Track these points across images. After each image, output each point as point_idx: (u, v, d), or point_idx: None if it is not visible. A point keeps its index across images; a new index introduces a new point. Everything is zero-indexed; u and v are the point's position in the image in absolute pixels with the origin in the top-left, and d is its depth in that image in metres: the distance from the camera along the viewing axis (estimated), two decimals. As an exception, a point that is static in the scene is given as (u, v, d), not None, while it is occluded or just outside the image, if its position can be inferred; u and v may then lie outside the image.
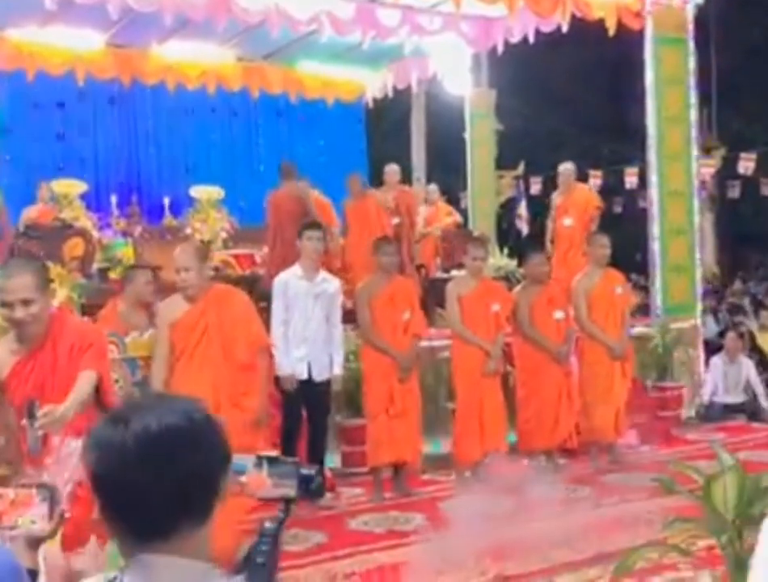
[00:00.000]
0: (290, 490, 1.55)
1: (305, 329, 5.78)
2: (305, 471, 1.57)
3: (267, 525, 1.53)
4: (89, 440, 1.35)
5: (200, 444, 1.34)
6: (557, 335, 6.65)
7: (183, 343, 4.76)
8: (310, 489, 1.56)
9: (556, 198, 9.33)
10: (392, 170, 9.12)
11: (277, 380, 5.70)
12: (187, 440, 1.33)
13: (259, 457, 1.55)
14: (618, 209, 16.94)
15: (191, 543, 1.33)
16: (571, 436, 6.58)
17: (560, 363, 6.59)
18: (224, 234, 9.56)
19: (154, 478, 1.31)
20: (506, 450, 6.34)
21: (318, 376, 5.82)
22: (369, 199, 8.65)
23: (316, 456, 5.80)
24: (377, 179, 10.29)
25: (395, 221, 8.69)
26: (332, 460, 6.46)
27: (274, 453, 1.57)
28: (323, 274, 5.89)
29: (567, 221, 9.02)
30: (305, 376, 5.74)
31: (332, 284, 5.94)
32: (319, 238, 5.84)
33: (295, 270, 5.88)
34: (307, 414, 5.83)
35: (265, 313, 5.82)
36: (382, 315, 6.06)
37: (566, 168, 9.30)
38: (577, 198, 9.14)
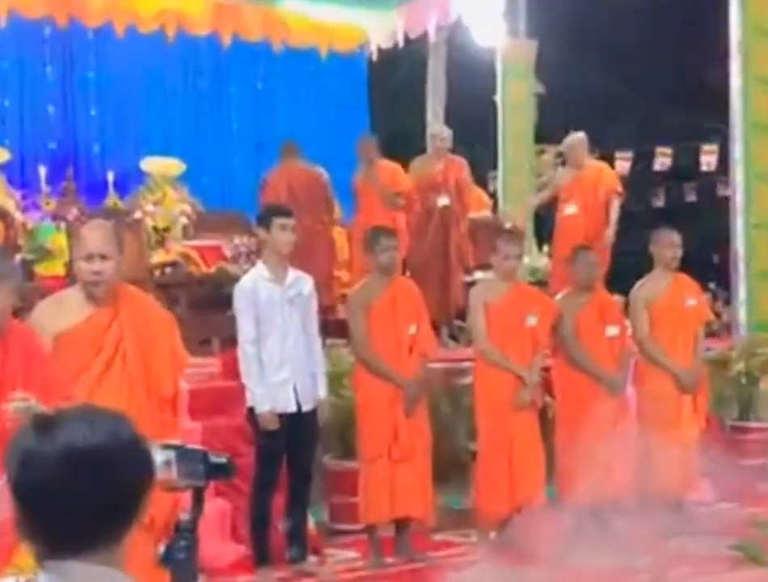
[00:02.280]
0: (199, 480, 1.91)
1: (284, 346, 5.80)
2: (214, 460, 1.94)
3: (183, 518, 1.91)
4: (12, 446, 1.62)
5: (125, 466, 1.62)
6: (610, 358, 6.68)
7: (82, 362, 4.26)
8: (220, 476, 1.96)
9: (560, 178, 9.25)
10: (443, 132, 9.09)
11: (250, 415, 5.76)
12: (112, 461, 1.60)
13: (165, 447, 1.88)
14: (690, 198, 16.98)
15: (105, 558, 1.62)
16: (628, 488, 6.60)
17: (613, 394, 6.61)
18: (184, 220, 9.57)
19: (74, 494, 1.58)
20: (543, 504, 6.38)
21: (305, 405, 5.84)
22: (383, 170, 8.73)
23: (299, 510, 5.85)
24: (381, 151, 10.28)
25: (442, 202, 8.70)
26: (317, 513, 6.49)
27: (178, 441, 1.91)
28: (292, 271, 5.93)
29: (570, 209, 8.95)
30: (292, 408, 5.76)
31: (306, 282, 5.99)
32: (293, 228, 5.87)
33: (259, 271, 5.90)
34: (288, 455, 5.85)
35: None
36: (382, 329, 6.13)
37: (574, 139, 9.18)
38: (584, 179, 8.99)
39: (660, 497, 6.80)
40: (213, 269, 8.76)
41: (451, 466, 6.86)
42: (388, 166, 8.90)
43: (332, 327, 7.65)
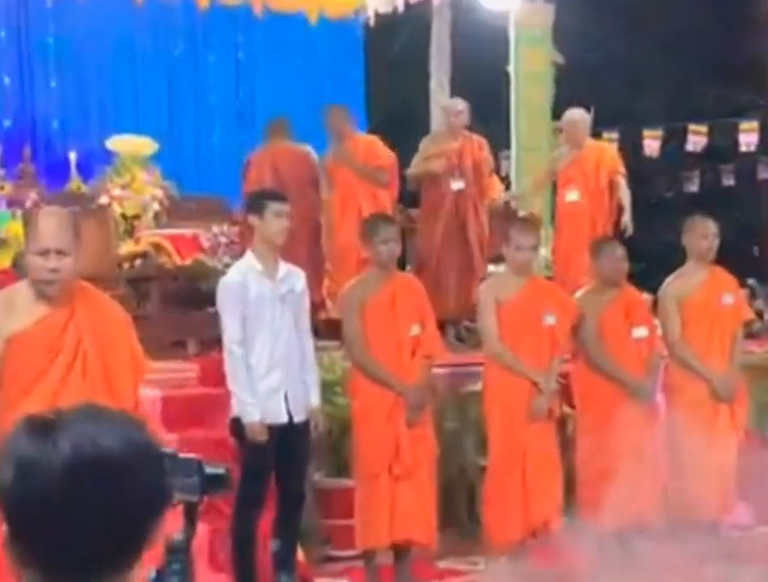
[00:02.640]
0: (192, 494, 1.85)
1: (274, 348, 5.80)
2: (211, 471, 1.88)
3: (175, 538, 1.83)
4: (7, 451, 1.51)
5: (140, 476, 1.52)
6: (637, 363, 6.71)
7: (38, 368, 4.26)
8: (217, 490, 1.91)
9: (559, 160, 9.26)
10: (456, 106, 9.09)
11: (234, 426, 5.78)
12: (126, 470, 1.51)
13: None
14: (728, 182, 16.95)
15: None
16: (657, 508, 6.62)
17: (641, 402, 6.63)
18: (155, 206, 9.58)
19: (82, 510, 1.48)
20: (560, 528, 6.37)
21: (297, 415, 5.84)
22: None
23: (289, 534, 5.86)
24: (378, 128, 10.28)
25: (457, 186, 8.72)
26: (307, 538, 6.47)
27: (171, 449, 1.81)
28: (284, 264, 5.95)
29: (572, 195, 8.95)
30: (283, 418, 5.76)
31: (299, 277, 6.01)
32: (288, 215, 5.91)
33: (249, 263, 5.91)
34: (278, 472, 5.84)
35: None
36: (380, 330, 6.14)
37: (576, 115, 9.19)
38: (585, 160, 8.99)
39: (692, 519, 6.77)
40: (188, 261, 8.72)
41: (458, 484, 6.91)
42: (364, 139, 8.96)
43: (323, 328, 7.66)
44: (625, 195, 8.95)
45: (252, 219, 5.94)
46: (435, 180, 8.78)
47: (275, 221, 5.81)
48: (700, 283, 7.02)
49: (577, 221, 8.76)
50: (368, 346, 6.13)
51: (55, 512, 1.48)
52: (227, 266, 6.85)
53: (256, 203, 6.01)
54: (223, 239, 8.99)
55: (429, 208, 8.93)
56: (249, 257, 5.94)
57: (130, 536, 1.53)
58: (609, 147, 9.62)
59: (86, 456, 1.48)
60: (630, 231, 8.96)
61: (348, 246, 7.99)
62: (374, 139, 9.03)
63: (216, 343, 7.30)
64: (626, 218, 9.01)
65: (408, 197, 9.67)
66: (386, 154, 8.74)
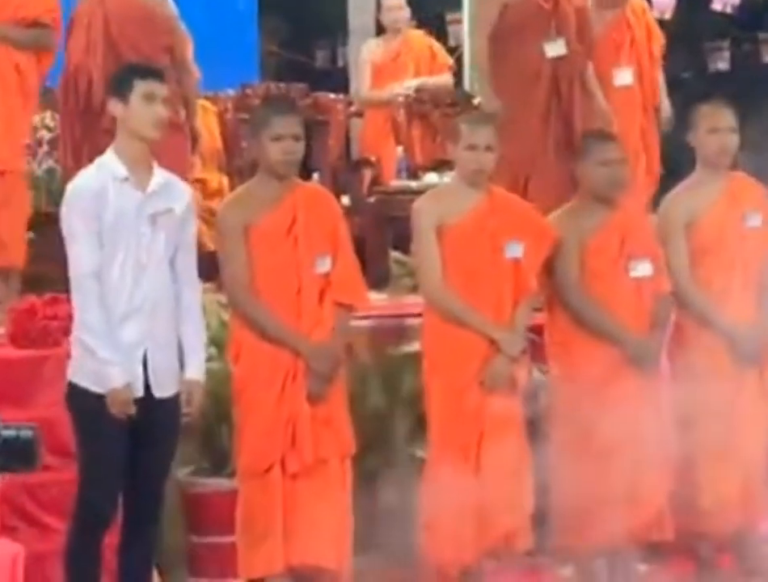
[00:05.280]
0: None
1: (137, 288, 5.87)
2: (7, 433, 2.07)
3: None
4: None
5: None
6: (637, 312, 6.74)
7: None
8: (18, 457, 2.08)
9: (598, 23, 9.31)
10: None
11: (74, 398, 5.79)
12: None
13: None
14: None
15: None
16: (663, 519, 6.68)
17: (641, 367, 6.69)
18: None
19: None
20: (527, 546, 6.46)
21: (160, 387, 5.89)
22: None
23: (142, 550, 5.93)
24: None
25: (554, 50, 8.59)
26: (168, 558, 6.63)
27: None
28: (160, 172, 6.04)
29: (624, 77, 9.24)
30: (138, 390, 5.83)
31: (182, 193, 6.12)
32: (164, 98, 6.00)
33: (110, 165, 5.94)
34: (128, 466, 5.86)
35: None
36: (272, 265, 6.20)
37: None
38: (634, 25, 9.39)
39: (710, 530, 6.93)
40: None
41: (383, 484, 6.88)
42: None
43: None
44: (661, 76, 9.40)
45: (113, 105, 5.97)
46: (520, 41, 8.62)
47: (145, 108, 5.88)
48: (714, 198, 7.07)
49: (630, 114, 9.01)
50: (255, 288, 6.17)
51: None
52: (51, 172, 6.80)
53: (119, 82, 6.02)
54: (44, 135, 8.97)
55: (514, 89, 8.79)
56: (109, 158, 5.95)
57: None
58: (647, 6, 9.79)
59: None
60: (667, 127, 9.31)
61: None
62: None
63: (43, 284, 7.26)
64: (666, 106, 9.30)
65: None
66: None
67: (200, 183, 9.41)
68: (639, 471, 6.56)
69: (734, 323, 6.94)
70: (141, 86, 5.89)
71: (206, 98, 10.09)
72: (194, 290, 6.08)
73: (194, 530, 6.76)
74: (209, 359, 6.67)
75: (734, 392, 6.91)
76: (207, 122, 9.84)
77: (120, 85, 5.98)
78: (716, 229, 7.02)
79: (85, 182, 5.92)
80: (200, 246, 8.37)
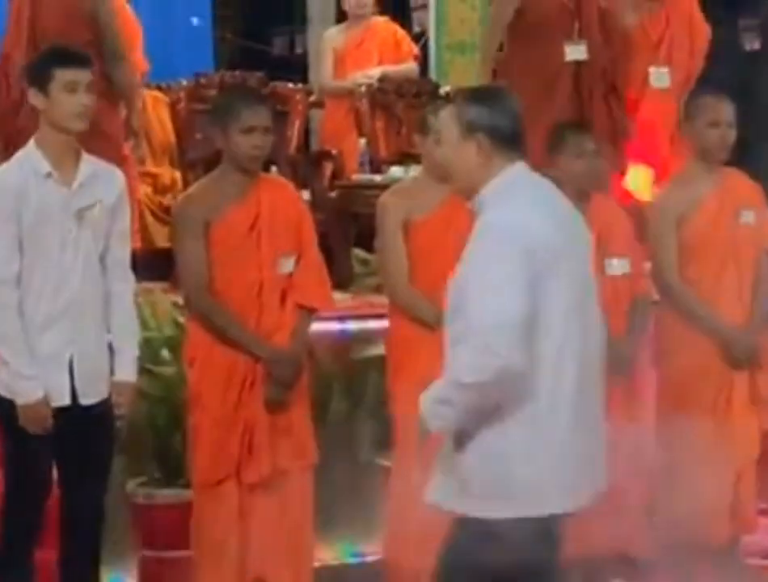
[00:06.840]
0: None
1: (61, 291, 5.85)
2: None
3: None
4: None
5: None
6: (613, 311, 6.59)
7: None
8: None
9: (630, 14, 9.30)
10: None
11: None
12: None
13: None
14: (752, 46, 16.89)
15: None
16: (641, 529, 6.76)
17: (617, 371, 6.52)
18: None
19: None
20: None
21: (87, 395, 5.89)
22: None
23: (84, 572, 5.95)
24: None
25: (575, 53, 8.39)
26: (118, 576, 6.78)
27: None
28: (88, 162, 6.00)
29: (661, 78, 9.18)
30: (64, 398, 5.85)
31: (113, 181, 6.09)
32: (90, 86, 5.94)
33: (31, 160, 5.91)
34: (60, 481, 5.96)
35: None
36: (232, 263, 6.24)
37: None
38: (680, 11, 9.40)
39: (695, 543, 6.88)
40: None
41: (348, 497, 7.10)
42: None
43: (141, 260, 7.53)
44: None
45: (33, 96, 5.91)
46: (541, 43, 8.42)
47: (67, 98, 5.83)
48: (707, 194, 7.07)
49: (665, 118, 8.99)
50: (213, 288, 6.19)
51: None
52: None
53: (37, 71, 5.97)
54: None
55: (532, 91, 8.47)
56: (31, 152, 5.91)
57: None
58: None
59: None
60: None
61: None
62: None
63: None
64: None
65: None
66: None
67: (151, 178, 9.59)
68: (616, 482, 6.50)
69: (725, 323, 6.98)
70: (61, 75, 5.85)
71: (158, 88, 10.21)
72: (125, 284, 6.08)
73: (146, 544, 6.78)
74: (162, 363, 6.82)
75: (723, 394, 7.01)
76: (159, 114, 10.15)
77: (39, 74, 5.95)
78: (709, 225, 7.07)
79: (3, 179, 5.90)
80: (150, 244, 8.46)
